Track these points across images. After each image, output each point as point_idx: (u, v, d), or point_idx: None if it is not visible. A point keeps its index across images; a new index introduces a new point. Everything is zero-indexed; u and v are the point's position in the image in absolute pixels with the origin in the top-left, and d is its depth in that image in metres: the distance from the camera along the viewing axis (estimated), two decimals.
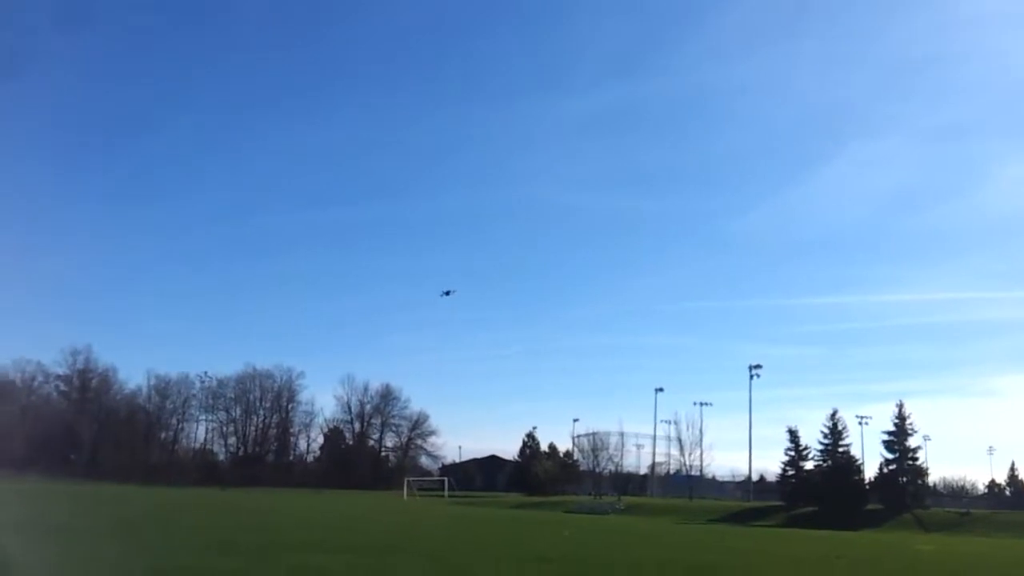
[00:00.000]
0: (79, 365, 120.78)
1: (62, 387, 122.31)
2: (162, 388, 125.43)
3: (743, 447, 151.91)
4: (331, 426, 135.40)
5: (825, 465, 75.37)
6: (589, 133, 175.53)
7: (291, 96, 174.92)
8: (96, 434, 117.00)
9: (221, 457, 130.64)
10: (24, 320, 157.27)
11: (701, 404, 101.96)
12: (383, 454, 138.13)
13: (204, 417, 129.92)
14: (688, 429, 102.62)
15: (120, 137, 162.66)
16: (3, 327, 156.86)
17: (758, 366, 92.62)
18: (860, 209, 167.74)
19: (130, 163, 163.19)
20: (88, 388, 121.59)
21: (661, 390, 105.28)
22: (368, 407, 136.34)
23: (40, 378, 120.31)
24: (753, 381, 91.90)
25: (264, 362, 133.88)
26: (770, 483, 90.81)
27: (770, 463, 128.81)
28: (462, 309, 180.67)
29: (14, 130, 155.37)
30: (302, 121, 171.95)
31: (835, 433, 75.76)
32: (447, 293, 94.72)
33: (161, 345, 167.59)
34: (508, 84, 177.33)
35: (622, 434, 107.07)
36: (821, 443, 76.14)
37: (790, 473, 78.08)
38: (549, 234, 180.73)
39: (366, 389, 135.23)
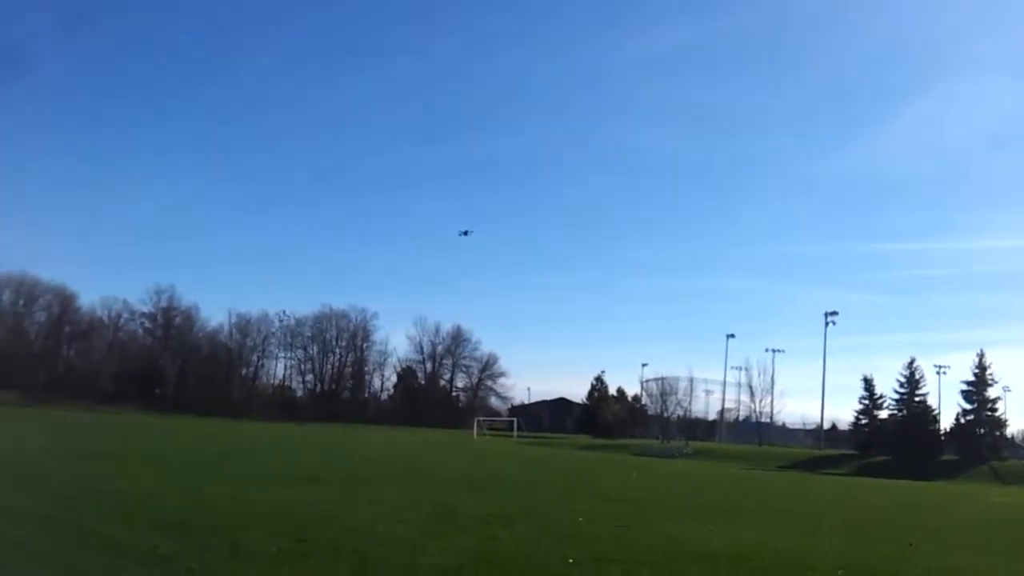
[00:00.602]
0: (163, 303, 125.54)
1: (147, 324, 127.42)
2: (242, 326, 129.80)
3: (814, 395, 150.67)
4: (404, 366, 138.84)
5: (900, 415, 74.23)
6: (661, 72, 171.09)
7: (366, 36, 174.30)
8: (180, 370, 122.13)
9: (299, 393, 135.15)
10: (111, 260, 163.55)
11: (773, 351, 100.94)
12: (454, 394, 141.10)
13: (283, 354, 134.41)
14: (759, 376, 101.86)
15: (203, 80, 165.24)
16: (91, 266, 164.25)
17: (834, 313, 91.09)
18: (944, 151, 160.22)
19: (211, 107, 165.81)
20: (172, 326, 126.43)
21: (732, 336, 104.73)
22: (440, 348, 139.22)
23: (126, 316, 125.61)
24: (828, 328, 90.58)
25: (340, 302, 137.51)
26: (842, 432, 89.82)
27: (842, 412, 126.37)
28: (532, 252, 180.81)
29: (99, 69, 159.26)
30: (374, 64, 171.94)
31: (912, 382, 74.38)
32: (464, 233, 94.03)
33: (241, 284, 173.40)
34: (579, 22, 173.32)
35: (691, 379, 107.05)
36: (897, 392, 74.97)
37: (863, 422, 77.17)
38: (622, 176, 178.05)
39: (438, 330, 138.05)
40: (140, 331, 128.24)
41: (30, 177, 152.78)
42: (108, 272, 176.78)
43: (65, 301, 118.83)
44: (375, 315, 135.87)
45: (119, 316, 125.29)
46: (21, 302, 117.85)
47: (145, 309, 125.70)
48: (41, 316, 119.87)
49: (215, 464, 25.63)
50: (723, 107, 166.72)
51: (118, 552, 9.51)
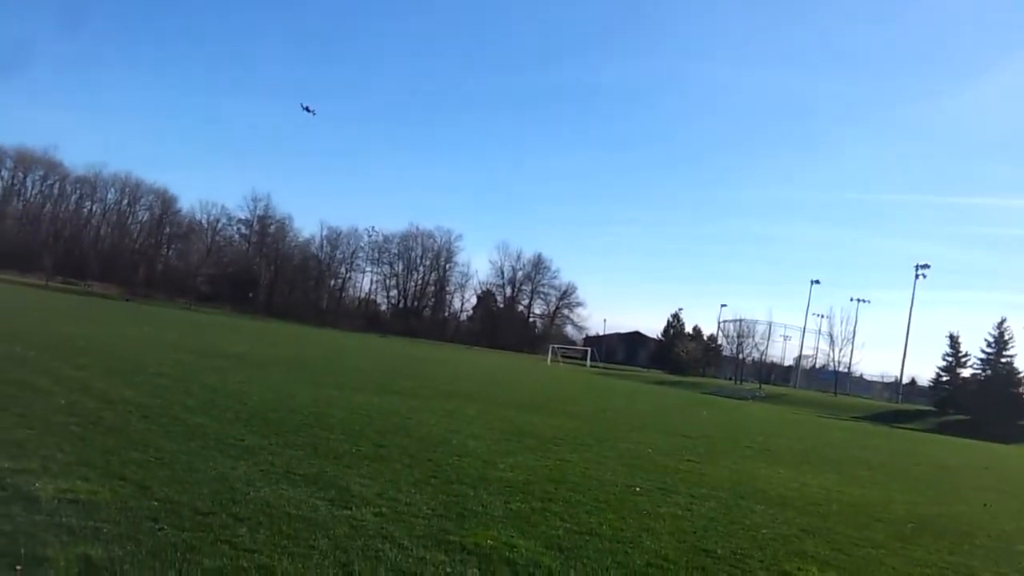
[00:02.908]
0: (259, 212, 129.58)
1: (243, 230, 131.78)
2: (333, 238, 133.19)
3: (895, 348, 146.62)
4: (484, 288, 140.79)
5: (984, 374, 71.73)
6: (763, 9, 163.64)
7: None
8: (272, 276, 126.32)
9: (383, 308, 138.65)
10: (211, 165, 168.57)
11: (858, 300, 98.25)
12: (531, 320, 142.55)
13: (369, 269, 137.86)
14: (841, 324, 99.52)
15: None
16: (193, 170, 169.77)
17: (925, 266, 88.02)
18: None
19: (310, 25, 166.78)
20: (267, 233, 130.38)
21: (817, 282, 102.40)
22: (520, 274, 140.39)
23: (224, 220, 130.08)
24: (918, 281, 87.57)
25: (426, 222, 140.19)
26: (921, 387, 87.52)
27: (923, 368, 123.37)
28: (620, 186, 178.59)
29: None
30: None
31: (1000, 342, 71.53)
32: (307, 109, 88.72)
33: (334, 198, 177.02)
34: None
35: (770, 323, 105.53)
36: (984, 351, 72.24)
37: (945, 379, 74.92)
38: (716, 113, 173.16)
39: (519, 256, 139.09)
40: (236, 236, 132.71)
41: (138, 82, 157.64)
42: (208, 177, 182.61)
43: (166, 203, 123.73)
44: (459, 237, 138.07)
45: (217, 220, 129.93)
46: (125, 201, 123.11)
47: (242, 215, 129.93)
48: (143, 216, 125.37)
49: (302, 367, 26.72)
50: (823, 48, 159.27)
51: (204, 442, 10.10)
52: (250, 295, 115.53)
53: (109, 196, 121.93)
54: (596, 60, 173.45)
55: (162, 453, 9.04)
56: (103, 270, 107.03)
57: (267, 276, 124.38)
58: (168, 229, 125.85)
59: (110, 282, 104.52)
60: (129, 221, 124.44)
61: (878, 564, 8.65)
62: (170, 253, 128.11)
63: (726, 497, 11.67)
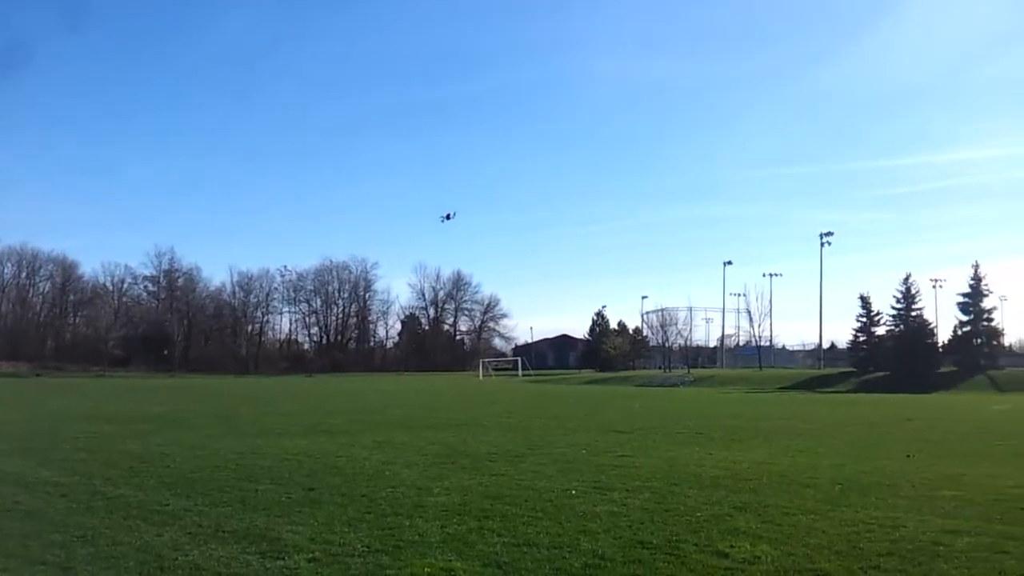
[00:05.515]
0: (164, 266, 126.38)
1: (150, 287, 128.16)
2: (245, 283, 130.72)
3: (812, 316, 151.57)
4: (407, 313, 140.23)
5: (897, 330, 74.75)
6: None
7: None
8: (186, 330, 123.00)
9: (306, 346, 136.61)
10: (109, 226, 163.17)
11: (771, 275, 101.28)
12: (458, 338, 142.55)
13: (287, 309, 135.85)
14: (757, 300, 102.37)
15: (183, 39, 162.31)
16: (90, 234, 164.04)
17: (829, 233, 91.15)
18: (934, 59, 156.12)
19: (193, 63, 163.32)
20: (175, 287, 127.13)
21: (730, 263, 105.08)
22: (441, 293, 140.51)
23: (129, 280, 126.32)
24: (824, 249, 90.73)
25: (340, 254, 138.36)
26: (841, 351, 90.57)
27: (842, 332, 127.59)
28: (527, 188, 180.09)
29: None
30: (356, 11, 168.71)
31: (908, 297, 74.68)
32: (447, 217, 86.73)
33: (240, 242, 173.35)
34: None
35: (690, 309, 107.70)
36: (894, 308, 75.26)
37: (861, 339, 77.74)
38: (610, 106, 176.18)
39: (438, 276, 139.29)
40: (144, 294, 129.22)
41: (23, 151, 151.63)
42: (107, 239, 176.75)
43: (67, 270, 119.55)
44: (375, 264, 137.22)
45: (122, 281, 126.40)
46: (24, 274, 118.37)
47: (147, 272, 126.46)
48: (45, 287, 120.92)
49: (224, 420, 26.04)
50: (707, 30, 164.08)
51: (127, 512, 9.79)
52: (165, 352, 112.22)
53: (6, 271, 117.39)
54: (496, 68, 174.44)
55: (84, 530, 8.73)
56: (8, 348, 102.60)
57: (181, 331, 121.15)
58: (72, 297, 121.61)
59: (17, 360, 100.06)
60: (30, 294, 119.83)
61: (808, 530, 8.92)
62: (77, 321, 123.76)
63: (660, 486, 11.88)
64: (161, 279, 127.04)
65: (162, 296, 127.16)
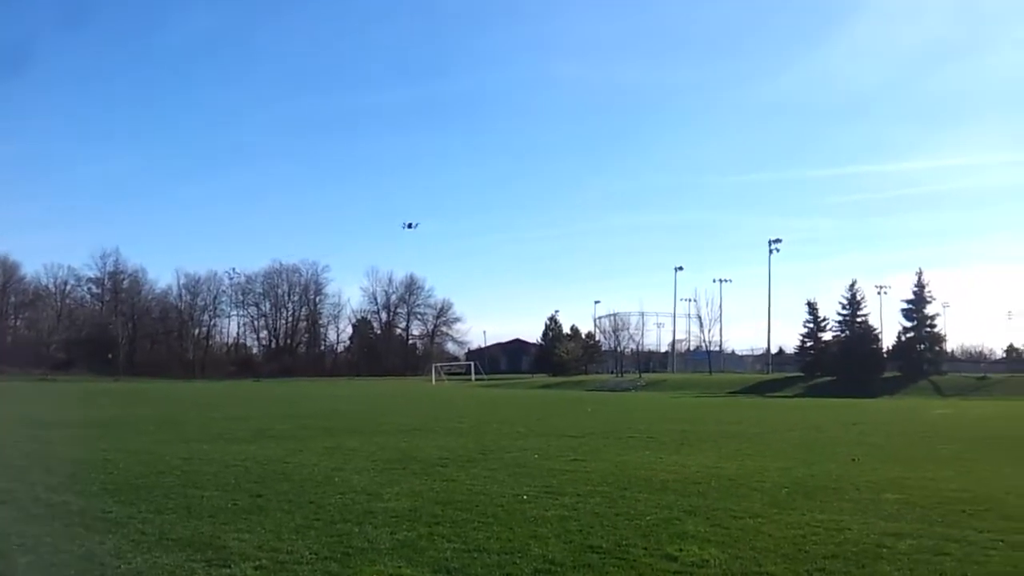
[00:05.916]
0: (109, 268, 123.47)
1: (94, 289, 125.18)
2: (192, 286, 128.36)
3: (763, 322, 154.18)
4: (359, 317, 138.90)
5: (843, 335, 76.39)
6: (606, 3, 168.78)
7: None
8: (131, 334, 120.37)
9: (255, 350, 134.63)
10: (52, 226, 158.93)
11: (721, 281, 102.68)
12: (410, 342, 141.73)
13: (235, 312, 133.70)
14: (707, 306, 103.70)
15: (129, 41, 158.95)
16: (32, 234, 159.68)
17: (777, 240, 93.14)
18: (883, 70, 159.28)
19: (138, 61, 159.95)
20: (120, 289, 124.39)
21: (681, 269, 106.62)
22: (393, 297, 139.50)
23: (72, 282, 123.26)
24: (772, 256, 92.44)
25: (290, 257, 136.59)
26: (789, 356, 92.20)
27: (790, 337, 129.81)
28: (481, 196, 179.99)
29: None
30: (306, 13, 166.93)
31: (853, 304, 76.47)
32: (409, 226, 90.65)
33: (187, 244, 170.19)
34: None
35: (642, 314, 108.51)
36: (840, 314, 77.08)
37: (808, 344, 79.39)
38: (563, 112, 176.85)
39: (390, 280, 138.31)
40: (88, 296, 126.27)
41: None
42: (50, 239, 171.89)
43: (8, 270, 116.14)
44: (326, 267, 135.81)
45: (65, 283, 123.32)
46: None
47: (91, 274, 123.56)
48: None
49: (170, 425, 25.53)
50: (659, 39, 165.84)
51: (68, 520, 9.55)
52: (109, 356, 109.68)
53: None
54: (451, 73, 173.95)
55: (24, 539, 8.45)
56: None
57: (125, 334, 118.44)
58: (13, 298, 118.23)
59: None
60: None
61: (755, 533, 9.04)
62: (18, 323, 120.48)
63: (610, 491, 11.94)
64: (105, 281, 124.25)
65: (106, 298, 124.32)
